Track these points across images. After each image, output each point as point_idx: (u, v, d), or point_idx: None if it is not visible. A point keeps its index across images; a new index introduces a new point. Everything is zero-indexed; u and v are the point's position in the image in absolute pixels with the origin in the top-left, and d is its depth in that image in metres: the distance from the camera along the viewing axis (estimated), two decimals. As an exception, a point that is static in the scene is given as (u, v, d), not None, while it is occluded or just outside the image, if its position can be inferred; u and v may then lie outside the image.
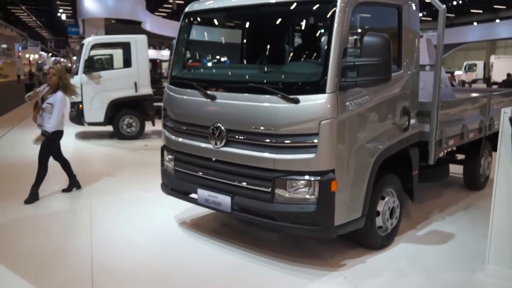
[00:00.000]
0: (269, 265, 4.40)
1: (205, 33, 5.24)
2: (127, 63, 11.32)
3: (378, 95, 4.39)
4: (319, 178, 3.95)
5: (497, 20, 40.76)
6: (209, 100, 4.46)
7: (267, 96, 4.07)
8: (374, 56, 3.82)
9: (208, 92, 4.46)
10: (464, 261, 4.57)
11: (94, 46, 11.08)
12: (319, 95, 3.89)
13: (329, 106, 3.88)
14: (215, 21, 5.21)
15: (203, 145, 4.52)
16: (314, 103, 3.91)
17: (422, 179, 6.01)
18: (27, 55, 67.02)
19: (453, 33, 40.81)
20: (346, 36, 3.95)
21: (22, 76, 51.31)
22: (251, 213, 4.29)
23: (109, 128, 11.79)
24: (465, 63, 36.99)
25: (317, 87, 3.91)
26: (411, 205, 6.32)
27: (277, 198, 4.08)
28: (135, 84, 11.17)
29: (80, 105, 10.87)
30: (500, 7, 41.72)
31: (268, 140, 4.08)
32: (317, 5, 4.31)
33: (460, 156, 7.23)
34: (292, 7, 4.39)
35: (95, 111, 10.97)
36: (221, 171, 4.43)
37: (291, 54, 4.54)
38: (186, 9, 5.07)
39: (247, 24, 5.02)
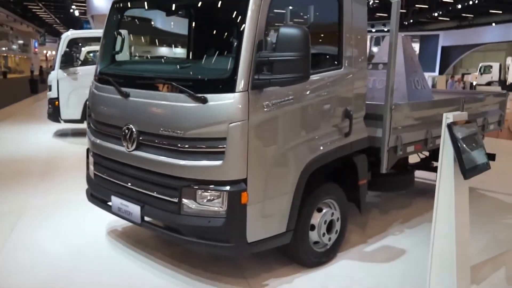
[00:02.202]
0: (185, 286, 3.95)
1: (133, 25, 4.80)
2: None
3: (307, 95, 3.92)
4: (227, 188, 3.49)
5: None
6: (122, 98, 4.04)
7: (177, 94, 3.63)
8: (291, 50, 3.34)
9: (123, 89, 4.03)
10: (406, 286, 4.07)
11: (72, 41, 10.75)
12: (228, 94, 3.44)
13: (239, 106, 3.42)
14: (142, 12, 4.76)
15: (117, 147, 4.10)
16: (222, 103, 3.45)
17: (380, 188, 5.55)
18: (44, 51, 67.58)
19: (471, 33, 39.84)
20: (262, 28, 3.48)
21: (36, 71, 51.69)
22: (158, 225, 3.85)
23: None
24: (480, 65, 35.97)
25: (227, 85, 3.46)
26: (371, 216, 5.84)
27: (185, 209, 3.63)
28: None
29: (56, 102, 10.54)
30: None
31: (175, 144, 3.64)
32: None
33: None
34: None
35: (71, 108, 10.62)
36: (133, 177, 4.01)
37: (208, 48, 4.07)
38: (114, -2, 4.63)
39: (165, 16, 4.56)
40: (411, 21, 42.13)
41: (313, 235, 4.26)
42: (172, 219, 3.70)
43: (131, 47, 4.78)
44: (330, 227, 4.39)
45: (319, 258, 4.34)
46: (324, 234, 4.29)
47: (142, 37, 5.26)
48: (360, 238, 5.08)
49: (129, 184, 4.03)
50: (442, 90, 12.79)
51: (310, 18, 3.96)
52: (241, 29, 3.45)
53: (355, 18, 4.33)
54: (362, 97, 4.53)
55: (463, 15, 41.18)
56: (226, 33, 3.91)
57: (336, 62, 4.23)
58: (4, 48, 53.72)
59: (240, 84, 3.41)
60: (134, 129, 3.88)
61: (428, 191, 6.85)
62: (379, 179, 5.14)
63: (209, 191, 3.54)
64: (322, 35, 4.33)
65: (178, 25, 4.82)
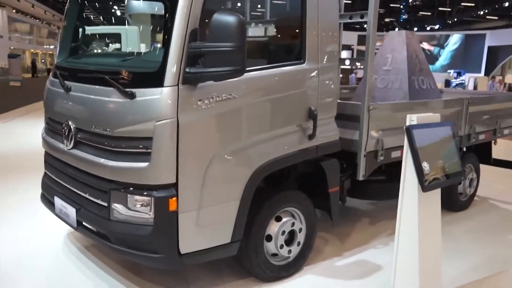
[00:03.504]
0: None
1: (86, 18, 4.51)
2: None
3: (257, 92, 3.52)
4: (154, 194, 3.14)
5: None
6: (64, 92, 3.76)
7: (107, 89, 3.31)
8: (224, 41, 2.96)
9: (66, 82, 3.76)
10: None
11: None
12: (156, 89, 3.09)
13: (166, 103, 3.06)
14: (92, 4, 4.47)
15: (59, 145, 3.84)
16: (149, 99, 3.11)
17: (362, 196, 5.11)
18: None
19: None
20: (197, 15, 3.11)
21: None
22: (93, 231, 3.55)
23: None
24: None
25: (155, 79, 3.11)
26: (357, 225, 5.37)
27: (115, 215, 3.31)
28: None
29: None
30: None
31: (104, 143, 3.33)
32: None
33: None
34: None
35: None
36: (70, 178, 3.73)
37: (145, 40, 3.74)
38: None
39: (108, 5, 4.26)
40: (455, 19, 40.44)
41: (270, 247, 3.86)
42: (102, 224, 3.40)
43: (84, 41, 4.49)
44: (292, 238, 3.99)
45: (277, 272, 3.93)
46: (282, 246, 3.88)
47: (93, 31, 4.97)
48: (336, 250, 4.63)
49: (68, 184, 3.76)
50: (470, 91, 11.97)
51: (266, 8, 3.57)
52: (172, 16, 3.09)
53: (322, 9, 3.88)
54: (331, 95, 4.08)
55: (513, 13, 39.20)
56: (160, 23, 3.56)
57: (297, 57, 3.80)
58: (51, 46, 55.34)
59: (169, 78, 3.06)
60: (72, 126, 3.60)
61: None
62: (361, 186, 4.68)
63: (137, 196, 3.21)
64: (280, 26, 3.92)
65: (124, 17, 4.51)
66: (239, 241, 3.55)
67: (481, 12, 36.84)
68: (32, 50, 52.30)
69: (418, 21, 44.09)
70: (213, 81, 3.14)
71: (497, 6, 34.36)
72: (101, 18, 4.58)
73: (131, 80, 3.23)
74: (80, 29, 4.36)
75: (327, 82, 4.01)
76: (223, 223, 3.45)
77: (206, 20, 3.14)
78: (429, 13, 41.45)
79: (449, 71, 38.36)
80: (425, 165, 3.10)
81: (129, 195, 3.23)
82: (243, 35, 2.98)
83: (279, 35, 3.97)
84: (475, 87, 26.64)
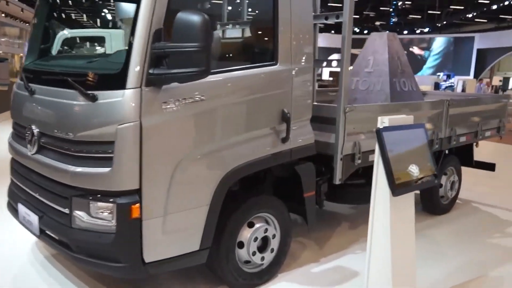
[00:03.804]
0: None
1: (55, 19, 4.38)
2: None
3: (227, 94, 3.42)
4: (116, 200, 3.02)
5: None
6: (28, 95, 3.64)
7: (69, 91, 3.18)
8: (188, 41, 2.85)
9: (30, 85, 3.64)
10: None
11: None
12: (118, 91, 2.97)
13: (129, 105, 2.95)
14: (61, 4, 4.35)
15: (22, 150, 3.71)
16: (111, 102, 2.99)
17: (340, 200, 5.03)
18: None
19: (509, 35, 38.10)
20: (161, 14, 3.00)
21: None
22: (55, 239, 3.42)
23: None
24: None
25: (117, 81, 2.99)
26: (338, 230, 5.28)
27: (77, 223, 3.19)
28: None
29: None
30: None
31: (66, 148, 3.21)
32: None
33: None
34: None
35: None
36: (34, 184, 3.60)
37: (113, 40, 3.63)
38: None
39: (79, 6, 4.14)
40: (445, 22, 40.65)
41: (243, 254, 3.75)
42: (63, 232, 3.27)
43: (52, 42, 4.37)
44: (265, 244, 3.88)
45: (250, 279, 3.83)
46: (254, 253, 3.77)
47: (62, 31, 4.85)
48: (313, 256, 4.53)
49: (31, 191, 3.63)
50: (451, 93, 11.87)
51: (241, 8, 3.47)
52: (136, 16, 2.99)
53: (295, 9, 3.78)
54: (306, 97, 3.98)
55: (502, 16, 39.45)
56: (125, 23, 3.45)
57: (269, 58, 3.70)
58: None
59: (131, 79, 2.95)
60: (35, 130, 3.48)
61: (417, 203, 6.19)
62: (339, 190, 4.58)
63: (99, 202, 3.08)
64: (252, 26, 3.82)
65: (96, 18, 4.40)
66: (208, 248, 3.44)
67: (470, 15, 37.05)
68: (21, 54, 51.97)
69: (408, 24, 44.26)
70: (178, 83, 3.03)
71: (485, 9, 34.61)
72: (73, 18, 4.44)
73: (94, 82, 3.12)
74: (50, 30, 4.24)
75: (302, 84, 3.91)
76: (191, 230, 3.34)
77: (172, 20, 3.03)
78: (419, 16, 41.62)
79: (438, 73, 38.49)
80: (396, 169, 3.00)
81: (91, 202, 3.11)
82: (208, 35, 2.87)
83: (251, 36, 3.88)
84: (463, 90, 26.69)
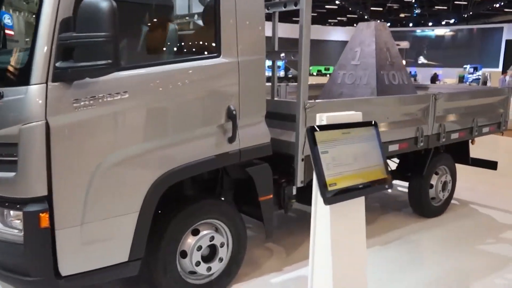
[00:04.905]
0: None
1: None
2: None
3: (157, 89, 3.09)
4: (23, 208, 2.74)
5: None
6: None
7: None
8: (93, 30, 2.54)
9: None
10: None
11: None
12: (22, 88, 2.68)
13: (33, 103, 2.66)
14: None
15: None
16: (15, 99, 2.71)
17: (309, 202, 4.62)
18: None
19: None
20: (69, 2, 2.69)
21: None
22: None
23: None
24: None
25: (22, 76, 2.71)
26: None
27: None
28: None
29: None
30: None
31: None
32: None
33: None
34: None
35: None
36: None
37: (25, 33, 3.33)
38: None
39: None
40: (471, 13, 39.34)
41: (186, 264, 3.44)
42: None
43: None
44: (213, 254, 3.55)
45: (195, 292, 3.51)
46: (198, 263, 3.45)
47: None
48: (277, 264, 4.18)
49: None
50: (453, 85, 11.26)
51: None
52: (41, 2, 2.69)
53: None
54: (257, 92, 3.62)
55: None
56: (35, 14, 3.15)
57: (210, 50, 3.36)
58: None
59: (35, 74, 2.65)
60: None
61: (406, 205, 5.77)
62: (309, 191, 4.19)
63: (6, 210, 2.81)
64: (190, 15, 3.48)
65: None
66: (139, 259, 3.13)
67: (497, 5, 35.74)
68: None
69: (432, 15, 43.03)
70: (89, 78, 2.73)
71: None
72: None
73: (5, 78, 2.84)
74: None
75: (251, 77, 3.55)
76: (117, 239, 3.03)
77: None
78: (444, 7, 40.41)
79: (465, 66, 37.28)
80: (331, 173, 2.63)
81: (5, 210, 2.83)
82: (115, 23, 2.55)
83: (188, 26, 3.53)
84: (484, 83, 25.64)
